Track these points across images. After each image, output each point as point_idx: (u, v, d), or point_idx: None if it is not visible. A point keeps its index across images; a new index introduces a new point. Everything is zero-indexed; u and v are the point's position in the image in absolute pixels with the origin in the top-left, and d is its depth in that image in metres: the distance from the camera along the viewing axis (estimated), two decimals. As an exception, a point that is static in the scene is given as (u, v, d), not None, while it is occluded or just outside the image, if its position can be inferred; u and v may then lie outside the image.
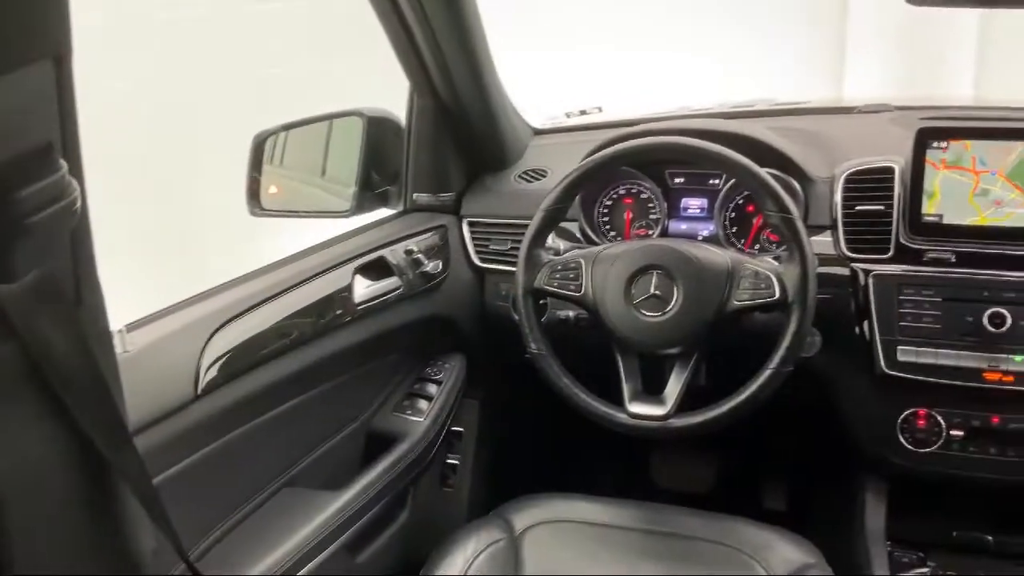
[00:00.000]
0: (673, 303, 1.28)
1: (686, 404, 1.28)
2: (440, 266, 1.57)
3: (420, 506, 1.60)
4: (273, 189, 1.60)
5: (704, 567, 1.26)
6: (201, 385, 1.09)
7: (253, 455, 1.25)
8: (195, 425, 1.09)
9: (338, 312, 1.36)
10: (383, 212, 1.67)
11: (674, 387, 1.29)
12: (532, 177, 1.68)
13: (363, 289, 1.40)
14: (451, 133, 1.62)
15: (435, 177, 1.66)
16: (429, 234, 1.59)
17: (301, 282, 1.30)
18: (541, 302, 1.45)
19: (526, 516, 1.36)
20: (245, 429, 1.21)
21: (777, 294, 1.24)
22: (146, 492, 0.71)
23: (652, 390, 1.31)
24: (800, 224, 1.24)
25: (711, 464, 2.03)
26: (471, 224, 1.66)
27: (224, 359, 1.14)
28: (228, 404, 1.15)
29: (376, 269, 1.45)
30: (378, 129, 1.62)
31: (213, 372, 1.11)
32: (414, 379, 1.63)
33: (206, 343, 1.11)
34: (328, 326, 1.34)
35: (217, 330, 1.13)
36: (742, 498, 2.02)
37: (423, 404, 1.58)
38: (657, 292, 1.29)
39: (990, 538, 1.40)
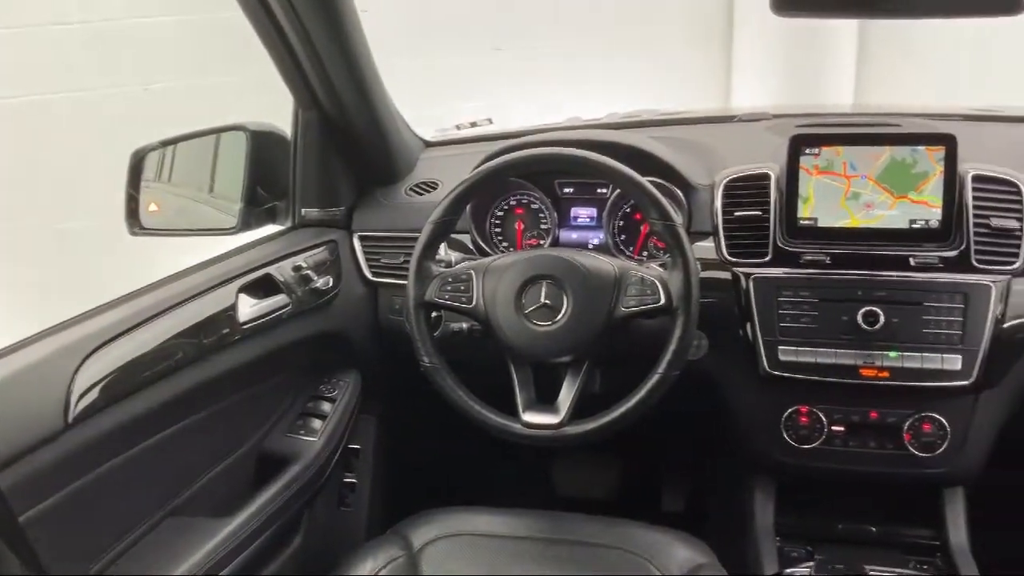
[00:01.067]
0: (563, 312, 1.29)
1: (581, 412, 1.29)
2: (331, 282, 1.54)
3: (316, 528, 1.57)
4: (153, 207, 1.54)
5: (600, 572, 1.26)
6: (73, 414, 1.04)
7: (134, 484, 1.19)
8: (67, 456, 1.04)
9: (223, 332, 1.32)
10: (272, 228, 1.64)
11: (567, 395, 1.30)
12: (423, 190, 1.67)
13: (248, 308, 1.36)
14: (338, 146, 1.59)
15: (324, 191, 1.63)
16: (319, 249, 1.56)
17: (181, 302, 1.25)
18: (434, 315, 1.45)
19: (424, 532, 1.34)
20: (124, 458, 1.16)
21: (662, 300, 1.26)
22: (10, 530, 0.67)
23: (548, 399, 1.31)
24: (682, 231, 1.27)
25: (611, 470, 2.05)
26: (362, 238, 1.64)
27: (99, 385, 1.08)
28: (104, 432, 1.10)
29: (262, 287, 1.41)
30: (263, 143, 1.58)
31: (87, 400, 1.06)
32: (307, 398, 1.59)
33: (77, 369, 1.06)
34: (212, 347, 1.29)
35: (89, 355, 1.08)
36: (642, 502, 2.05)
37: (316, 423, 1.55)
38: (547, 301, 1.30)
39: (874, 529, 1.46)
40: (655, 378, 1.26)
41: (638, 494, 2.07)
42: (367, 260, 1.63)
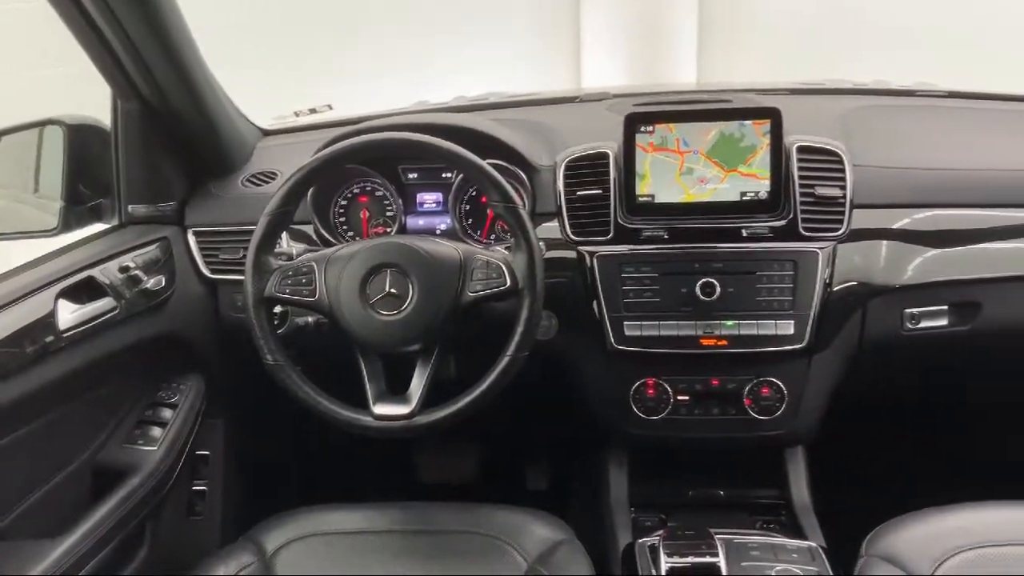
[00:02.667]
0: (409, 300, 1.26)
1: (438, 398, 1.28)
2: (163, 281, 1.46)
3: (162, 540, 1.49)
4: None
5: (459, 559, 1.26)
6: None
7: None
8: None
9: (44, 342, 1.22)
10: (100, 228, 1.54)
11: (418, 384, 1.28)
12: (260, 180, 1.61)
13: (69, 315, 1.27)
14: (164, 138, 1.51)
15: (152, 186, 1.54)
16: (149, 248, 1.48)
17: None
18: (279, 310, 1.40)
19: (278, 535, 1.30)
20: None
21: (508, 282, 1.26)
22: None
23: (401, 390, 1.29)
24: (523, 212, 1.27)
25: (475, 454, 2.05)
26: (197, 234, 1.56)
27: None
28: None
29: (85, 291, 1.32)
30: (83, 137, 1.48)
31: None
32: (145, 405, 1.51)
33: None
34: (31, 358, 1.20)
35: None
36: (508, 483, 2.06)
37: (156, 431, 1.47)
38: (392, 290, 1.27)
39: (722, 493, 1.51)
40: (504, 361, 1.26)
41: (503, 476, 2.07)
42: (204, 256, 1.55)
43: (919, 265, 1.43)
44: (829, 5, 3.94)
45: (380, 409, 1.27)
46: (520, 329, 1.25)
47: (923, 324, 1.46)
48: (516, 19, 4.12)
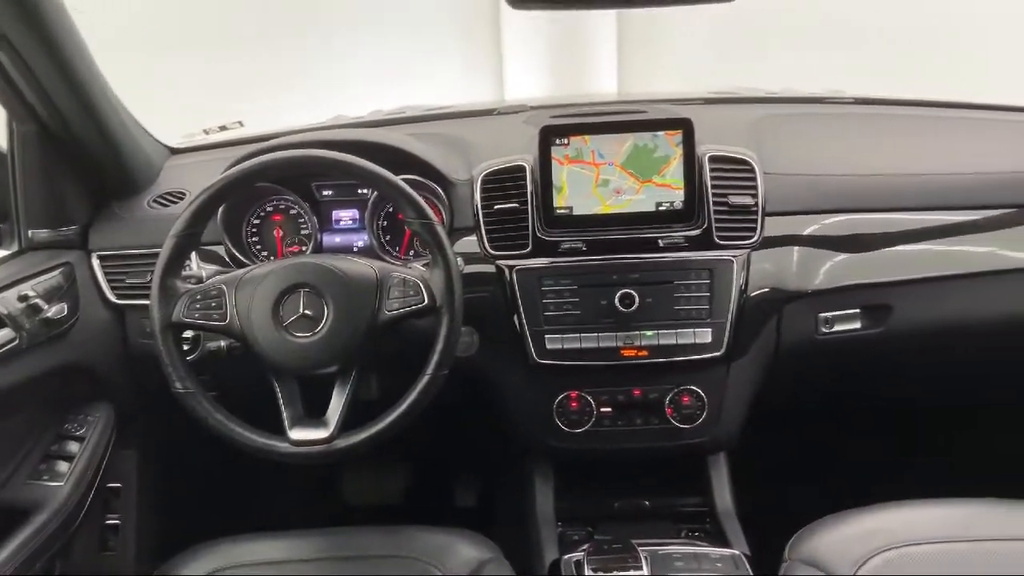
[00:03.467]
0: (324, 321, 1.24)
1: (355, 421, 1.25)
2: (66, 309, 1.39)
3: (73, 579, 1.43)
4: None
5: None
6: None
7: None
8: None
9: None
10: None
11: (336, 407, 1.26)
12: (168, 201, 1.56)
13: (-37, 348, 1.21)
14: (65, 160, 1.44)
15: (53, 210, 1.47)
16: (51, 274, 1.41)
17: None
18: (191, 334, 1.35)
19: (196, 568, 1.25)
20: None
21: (426, 300, 1.24)
22: None
23: (320, 413, 1.26)
24: (439, 228, 1.26)
25: (401, 473, 2.02)
26: (102, 258, 1.51)
27: None
28: None
29: None
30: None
31: None
32: (51, 439, 1.44)
33: None
34: None
35: None
36: (437, 501, 2.03)
37: (63, 466, 1.40)
38: (307, 311, 1.24)
39: (648, 503, 1.51)
40: (424, 380, 1.24)
41: (431, 494, 2.05)
42: (109, 282, 1.50)
43: (830, 270, 1.45)
44: (747, 15, 4.03)
45: (297, 434, 1.24)
46: (439, 347, 1.24)
47: (837, 328, 1.49)
48: (437, 32, 4.11)
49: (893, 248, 1.48)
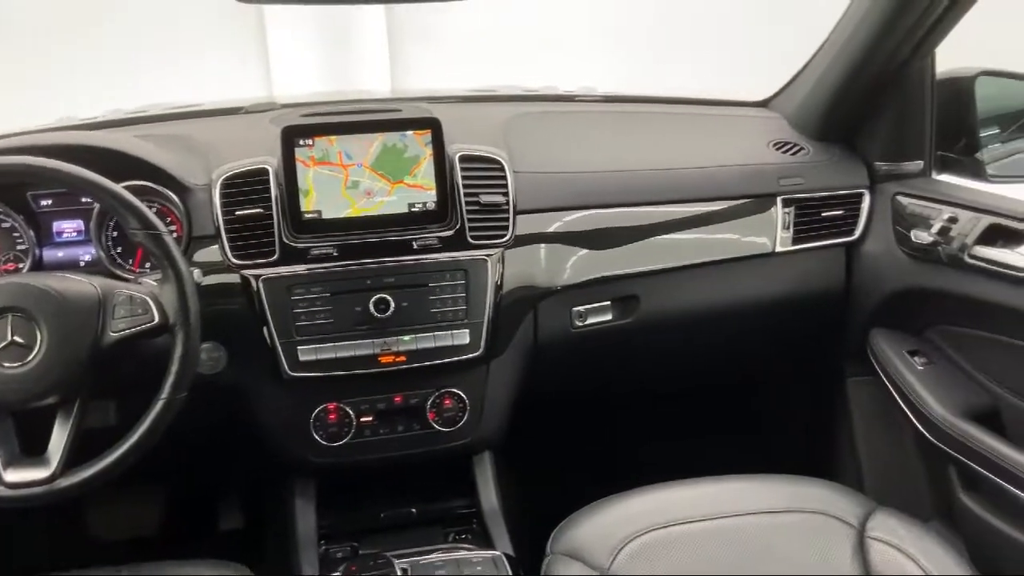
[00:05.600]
0: (38, 348, 1.10)
1: (83, 456, 1.13)
2: None
3: None
4: None
5: None
6: None
7: None
8: None
9: None
10: None
11: (58, 442, 1.13)
12: None
13: None
14: None
15: None
16: None
17: None
18: None
19: None
20: None
21: (157, 318, 1.14)
22: None
23: (41, 450, 1.13)
24: (167, 238, 1.16)
25: (159, 498, 1.88)
26: None
27: None
28: None
29: None
30: None
31: None
32: None
33: None
34: None
35: None
36: (200, 525, 1.90)
37: None
38: (16, 338, 1.10)
39: (414, 510, 1.48)
40: (159, 405, 1.14)
41: (194, 518, 1.92)
42: None
43: (579, 264, 1.49)
44: (521, 11, 4.10)
45: (12, 475, 1.10)
46: (175, 368, 1.14)
47: (590, 320, 1.53)
48: (195, 24, 3.86)
49: (638, 240, 1.54)
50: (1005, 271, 1.35)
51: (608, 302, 1.54)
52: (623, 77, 3.75)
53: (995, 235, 1.40)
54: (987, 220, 1.41)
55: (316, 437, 1.38)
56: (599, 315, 1.54)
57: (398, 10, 4.16)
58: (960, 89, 1.58)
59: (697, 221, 1.58)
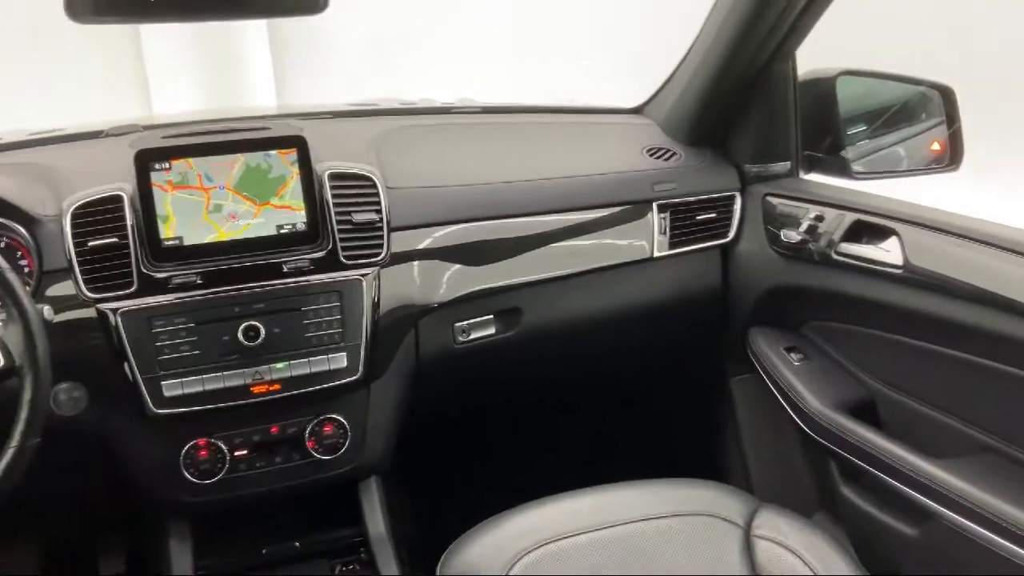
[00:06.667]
0: None
1: None
2: None
3: None
4: None
5: None
6: None
7: None
8: None
9: None
10: None
11: None
12: None
13: None
14: None
15: None
16: None
17: None
18: None
19: None
20: None
21: (2, 360, 1.06)
22: None
23: None
24: (9, 275, 1.08)
25: (32, 549, 1.76)
26: None
27: None
28: None
29: None
30: None
31: None
32: None
33: None
34: None
35: None
36: (81, 574, 1.80)
37: None
38: None
39: (298, 544, 1.43)
40: (9, 454, 1.05)
41: (74, 566, 1.81)
42: None
43: (458, 279, 1.46)
44: (405, 24, 4.07)
45: None
46: (24, 414, 1.06)
47: (473, 336, 1.51)
48: (74, 51, 3.68)
49: (517, 252, 1.52)
50: (870, 266, 1.39)
51: (491, 316, 1.52)
52: (507, 87, 3.78)
53: (860, 231, 1.44)
54: (851, 217, 1.45)
55: (187, 476, 1.31)
56: (482, 330, 1.52)
57: (281, 21, 4.06)
58: (822, 89, 1.62)
59: (575, 230, 1.57)
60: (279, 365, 1.32)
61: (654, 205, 1.62)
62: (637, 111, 1.84)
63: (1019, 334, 1.17)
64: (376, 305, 1.37)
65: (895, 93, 1.69)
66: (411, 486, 1.54)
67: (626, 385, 1.92)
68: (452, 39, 4.03)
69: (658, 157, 1.68)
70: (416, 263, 1.43)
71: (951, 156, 1.62)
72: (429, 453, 1.64)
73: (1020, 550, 1.14)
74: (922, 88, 1.66)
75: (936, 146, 1.64)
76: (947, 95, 1.64)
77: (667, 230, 1.62)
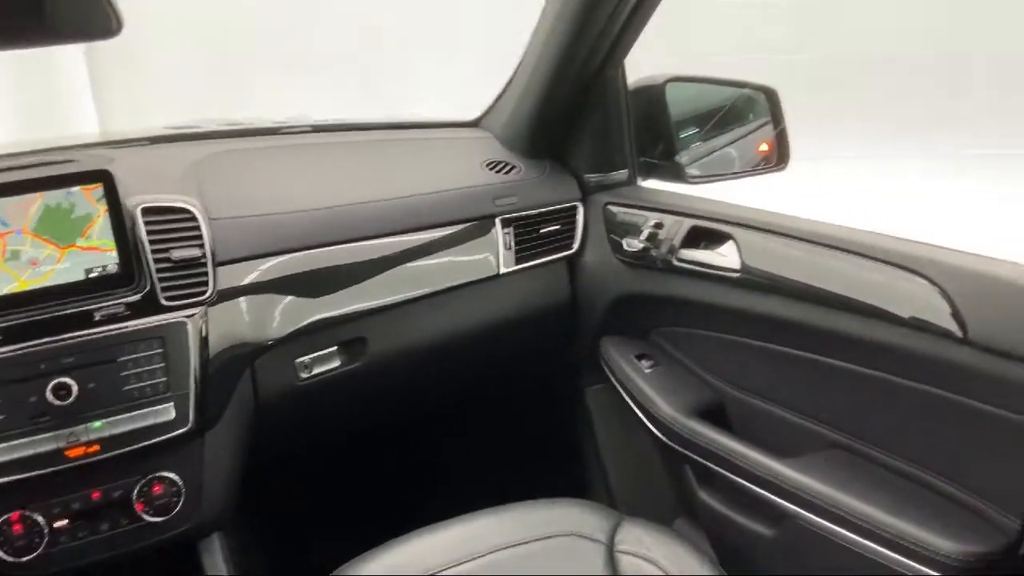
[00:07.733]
0: None
1: None
2: None
3: None
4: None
5: None
6: None
7: None
8: None
9: None
10: None
11: None
12: None
13: None
14: None
15: None
16: None
17: None
18: None
19: None
20: None
21: None
22: None
23: None
24: None
25: None
26: None
27: None
28: None
29: None
30: None
31: None
32: None
33: None
34: None
35: None
36: None
37: None
38: None
39: None
40: None
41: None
42: None
43: (294, 311, 1.38)
44: (228, 38, 3.92)
45: None
46: None
47: (317, 370, 1.43)
48: None
49: (358, 279, 1.45)
50: (708, 271, 1.41)
51: (334, 348, 1.45)
52: (339, 102, 3.71)
53: (697, 237, 1.45)
54: (689, 223, 1.46)
55: (1, 554, 1.17)
56: (326, 363, 1.44)
57: (98, 44, 3.81)
58: (652, 96, 1.64)
59: (418, 252, 1.52)
60: (96, 424, 1.19)
61: (497, 221, 1.58)
62: (475, 124, 1.80)
63: (847, 329, 1.21)
64: (204, 348, 1.26)
65: (723, 96, 1.73)
66: (273, 531, 1.43)
67: (484, 406, 1.88)
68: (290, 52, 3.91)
69: (498, 171, 1.65)
70: (247, 298, 1.33)
71: (778, 156, 1.67)
72: (283, 493, 1.54)
73: (871, 544, 1.17)
74: (747, 91, 1.71)
75: (764, 147, 1.68)
76: (771, 96, 1.68)
77: (512, 245, 1.59)
